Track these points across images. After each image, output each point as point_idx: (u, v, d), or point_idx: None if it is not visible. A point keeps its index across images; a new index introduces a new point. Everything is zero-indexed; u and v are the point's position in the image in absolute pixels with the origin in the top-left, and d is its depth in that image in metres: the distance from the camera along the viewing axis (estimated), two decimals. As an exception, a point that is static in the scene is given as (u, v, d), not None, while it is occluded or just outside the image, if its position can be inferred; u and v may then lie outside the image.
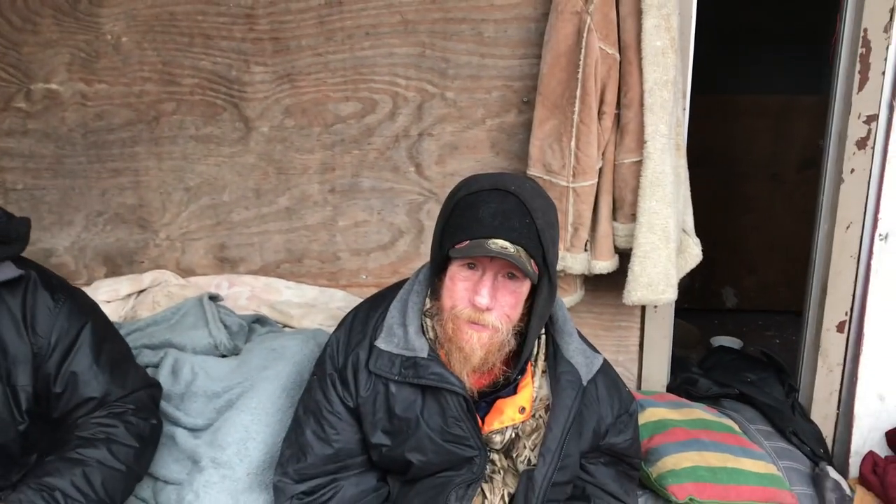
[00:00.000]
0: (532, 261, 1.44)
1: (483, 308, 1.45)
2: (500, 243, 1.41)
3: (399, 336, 1.54)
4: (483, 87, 2.24)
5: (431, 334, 1.55)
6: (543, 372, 1.59)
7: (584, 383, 1.57)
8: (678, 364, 2.55)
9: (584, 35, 2.00)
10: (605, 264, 2.16)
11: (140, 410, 1.62)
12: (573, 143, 2.05)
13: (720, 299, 4.28)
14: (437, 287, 1.54)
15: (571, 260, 2.13)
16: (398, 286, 1.65)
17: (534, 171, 2.13)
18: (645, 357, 2.42)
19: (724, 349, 2.94)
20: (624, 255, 2.17)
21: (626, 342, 2.40)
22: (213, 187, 2.39)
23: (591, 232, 2.15)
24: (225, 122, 2.34)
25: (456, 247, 1.45)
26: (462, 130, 2.26)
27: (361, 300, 2.37)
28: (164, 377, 1.91)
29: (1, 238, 1.55)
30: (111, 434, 1.54)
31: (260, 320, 2.20)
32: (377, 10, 2.21)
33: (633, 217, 2.09)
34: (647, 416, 2.13)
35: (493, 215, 1.43)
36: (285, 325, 2.28)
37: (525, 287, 1.49)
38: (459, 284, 1.48)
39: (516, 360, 1.56)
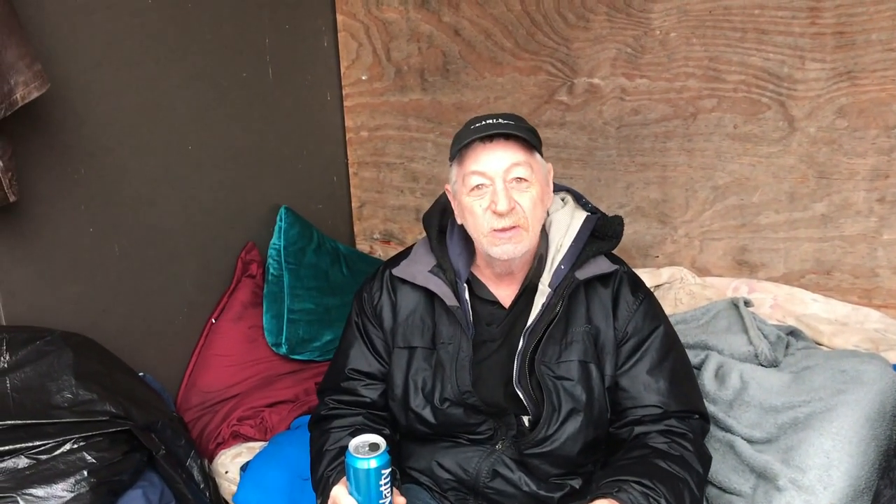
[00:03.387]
0: None
1: None
2: None
3: None
4: None
5: None
6: None
7: None
8: None
9: None
10: None
11: (696, 439, 1.57)
12: None
13: None
14: None
15: None
16: None
17: None
18: None
19: None
20: None
21: None
22: (742, 187, 2.31)
23: None
24: (767, 121, 2.23)
25: None
26: None
27: (902, 324, 2.16)
28: (707, 379, 1.89)
29: (599, 234, 1.63)
30: (685, 455, 1.51)
31: (794, 333, 2.06)
32: (976, -3, 1.92)
33: None
34: None
35: None
36: (815, 342, 2.12)
37: None
38: None
39: None
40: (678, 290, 2.32)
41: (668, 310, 2.24)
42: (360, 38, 2.79)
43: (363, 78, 2.81)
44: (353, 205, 2.97)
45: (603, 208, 2.49)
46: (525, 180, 1.51)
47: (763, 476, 1.60)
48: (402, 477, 1.63)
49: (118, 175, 2.05)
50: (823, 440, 1.57)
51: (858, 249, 2.20)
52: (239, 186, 2.46)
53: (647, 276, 2.39)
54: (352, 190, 2.96)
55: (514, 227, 1.51)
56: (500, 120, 1.54)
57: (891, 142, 2.10)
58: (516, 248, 1.54)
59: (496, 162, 1.51)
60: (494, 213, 1.50)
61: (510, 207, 1.49)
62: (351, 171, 2.94)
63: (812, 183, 2.22)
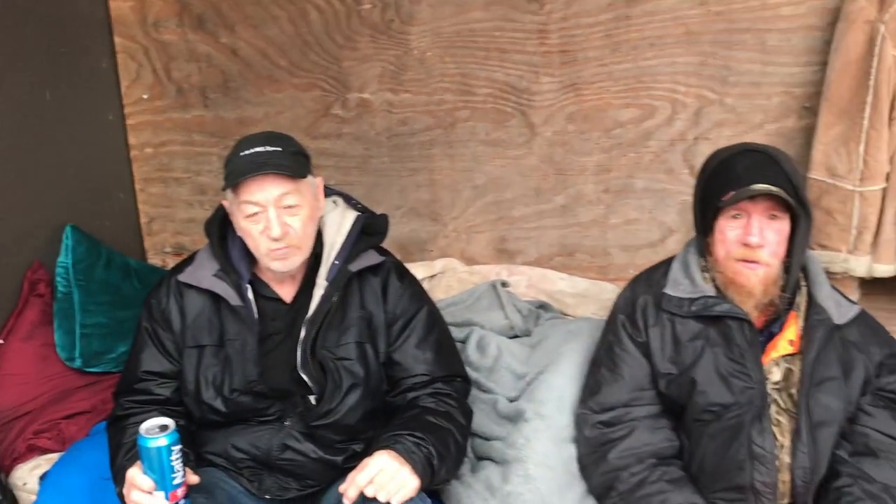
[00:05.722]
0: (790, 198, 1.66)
1: (755, 245, 1.68)
2: (760, 186, 1.65)
3: (685, 284, 1.79)
4: (763, 94, 2.33)
5: (712, 284, 1.79)
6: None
7: (837, 322, 1.76)
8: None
9: (878, 44, 2.05)
10: (886, 268, 2.19)
11: (460, 398, 1.85)
12: (862, 149, 2.11)
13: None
14: (707, 247, 1.79)
15: (854, 262, 2.18)
16: (666, 262, 1.92)
17: (816, 174, 2.19)
18: (919, 363, 2.41)
19: None
20: (905, 260, 2.20)
21: (899, 347, 2.40)
22: (497, 186, 2.66)
23: (874, 236, 2.19)
24: (512, 128, 2.59)
25: (723, 199, 1.68)
26: (739, 135, 2.36)
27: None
28: (471, 350, 2.20)
29: (368, 231, 1.87)
30: (450, 410, 1.78)
31: (543, 306, 2.43)
32: (663, 22, 2.36)
33: (921, 221, 2.12)
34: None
35: (747, 168, 1.70)
36: (562, 312, 2.49)
37: (786, 225, 1.71)
38: (730, 233, 1.72)
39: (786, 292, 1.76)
40: (450, 277, 2.63)
41: (440, 295, 2.54)
42: (139, 59, 2.87)
43: (144, 97, 2.90)
44: (141, 220, 3.03)
45: (381, 210, 2.74)
46: (295, 205, 1.70)
47: (516, 419, 1.93)
48: (199, 461, 1.78)
49: None
50: (557, 378, 1.97)
51: (592, 233, 2.61)
52: (23, 207, 2.47)
53: (423, 268, 2.67)
54: (139, 206, 3.02)
55: (287, 246, 1.71)
56: (268, 147, 1.68)
57: (610, 142, 2.51)
58: (292, 263, 1.74)
59: (267, 192, 1.65)
60: (269, 238, 1.68)
61: (283, 233, 1.68)
62: (137, 187, 3.00)
63: (552, 179, 2.60)
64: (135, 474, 1.52)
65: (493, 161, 2.64)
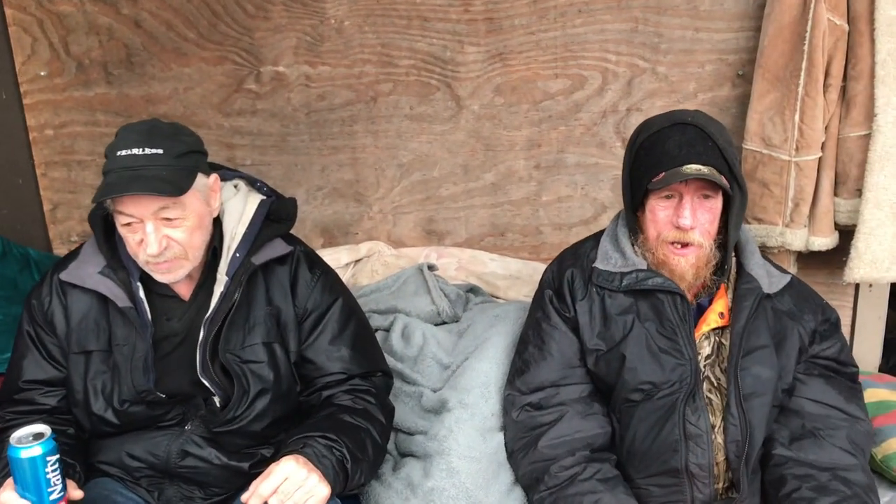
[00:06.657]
0: (722, 176, 1.59)
1: (687, 228, 1.62)
2: (692, 167, 1.57)
3: (616, 258, 1.72)
4: (696, 61, 2.24)
5: (643, 257, 1.72)
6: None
7: (767, 291, 1.69)
8: (889, 346, 2.46)
9: (812, 6, 1.97)
10: (824, 240, 2.13)
11: (380, 394, 1.72)
12: (797, 117, 2.03)
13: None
14: (637, 224, 1.72)
15: (791, 236, 2.11)
16: (594, 236, 1.84)
17: (751, 144, 2.11)
18: (857, 337, 2.36)
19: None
20: (843, 233, 2.13)
21: (837, 321, 2.34)
22: (424, 164, 2.51)
23: (811, 208, 2.11)
24: (437, 102, 2.44)
25: (653, 181, 1.61)
26: (673, 105, 2.27)
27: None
28: (395, 340, 2.06)
29: (274, 217, 1.70)
30: (368, 408, 1.65)
31: (473, 290, 2.31)
32: (591, -14, 2.25)
33: (857, 192, 2.05)
34: (868, 396, 2.07)
35: (679, 146, 1.60)
36: (493, 296, 2.37)
37: (718, 203, 1.64)
38: (661, 213, 1.65)
39: (720, 269, 1.71)
40: (375, 262, 2.48)
41: (365, 280, 2.40)
42: (33, 33, 2.64)
43: (42, 74, 2.67)
44: (44, 207, 2.81)
45: (302, 192, 2.61)
46: (177, 218, 1.51)
47: (437, 411, 1.82)
48: (91, 472, 1.61)
49: None
50: (483, 364, 1.87)
51: (524, 211, 2.50)
52: None
53: (348, 252, 2.53)
54: (42, 192, 2.79)
55: (168, 260, 1.53)
56: (148, 149, 1.46)
57: (539, 114, 2.39)
58: (176, 275, 1.57)
59: (142, 207, 1.47)
60: (146, 252, 1.51)
61: (161, 249, 1.50)
62: (38, 172, 2.77)
63: (481, 155, 2.47)
64: (8, 499, 1.35)
65: (418, 137, 2.49)
